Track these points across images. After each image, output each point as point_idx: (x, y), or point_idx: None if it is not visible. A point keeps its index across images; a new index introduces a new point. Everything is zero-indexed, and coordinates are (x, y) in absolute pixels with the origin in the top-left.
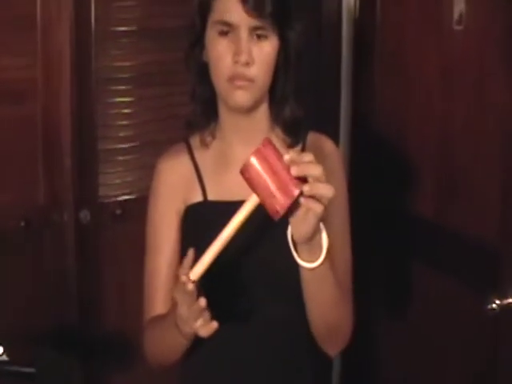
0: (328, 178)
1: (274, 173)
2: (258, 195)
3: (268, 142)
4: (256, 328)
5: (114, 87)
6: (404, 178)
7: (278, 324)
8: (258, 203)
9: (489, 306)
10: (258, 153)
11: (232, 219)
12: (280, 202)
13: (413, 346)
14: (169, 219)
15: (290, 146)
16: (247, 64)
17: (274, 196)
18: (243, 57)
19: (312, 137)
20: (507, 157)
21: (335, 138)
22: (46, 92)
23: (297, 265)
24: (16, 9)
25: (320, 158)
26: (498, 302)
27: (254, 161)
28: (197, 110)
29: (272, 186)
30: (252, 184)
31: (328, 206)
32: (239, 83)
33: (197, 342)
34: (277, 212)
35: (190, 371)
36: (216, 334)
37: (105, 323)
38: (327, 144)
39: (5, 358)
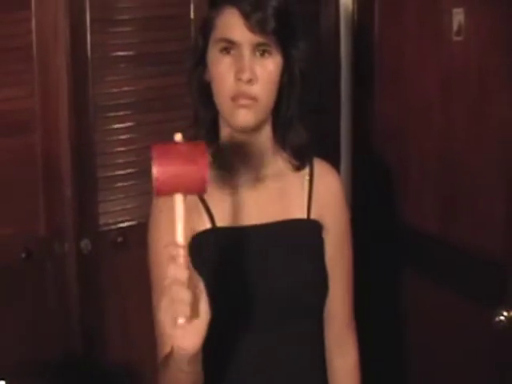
0: (335, 219)
1: (180, 167)
2: (179, 193)
3: (154, 148)
4: (273, 347)
5: (113, 114)
6: (406, 194)
7: (293, 342)
8: (184, 197)
9: (496, 319)
10: (156, 163)
11: (176, 223)
12: (199, 181)
13: (419, 361)
14: None
15: (297, 170)
16: (250, 81)
17: (192, 182)
18: (246, 74)
19: (318, 164)
20: (510, 168)
21: (336, 155)
22: (44, 122)
23: (307, 286)
24: (12, 39)
25: (326, 194)
26: (505, 314)
27: (157, 174)
28: (199, 134)
29: (186, 180)
30: (170, 191)
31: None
32: (242, 102)
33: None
34: (203, 190)
35: None
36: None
37: (108, 353)
38: (332, 177)
39: None
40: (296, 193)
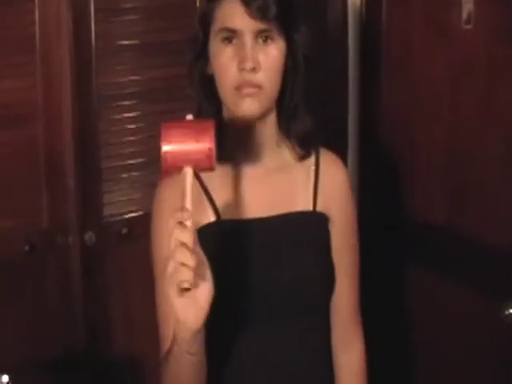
0: (340, 211)
1: (185, 143)
2: (187, 166)
3: (162, 125)
4: (275, 343)
5: (117, 103)
6: (413, 186)
7: (295, 339)
8: (192, 171)
9: (506, 312)
10: (164, 139)
11: (185, 193)
12: (206, 156)
13: (425, 357)
14: None
15: (302, 159)
16: (253, 70)
17: (199, 158)
18: (249, 63)
19: (324, 154)
20: None
21: (343, 147)
22: (47, 113)
23: (312, 280)
24: (14, 30)
25: (332, 186)
26: None
27: (165, 150)
28: None
29: (193, 155)
30: (177, 166)
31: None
32: (247, 91)
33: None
34: (210, 166)
35: None
36: (236, 351)
37: (112, 346)
38: (338, 168)
39: None
40: (301, 184)
